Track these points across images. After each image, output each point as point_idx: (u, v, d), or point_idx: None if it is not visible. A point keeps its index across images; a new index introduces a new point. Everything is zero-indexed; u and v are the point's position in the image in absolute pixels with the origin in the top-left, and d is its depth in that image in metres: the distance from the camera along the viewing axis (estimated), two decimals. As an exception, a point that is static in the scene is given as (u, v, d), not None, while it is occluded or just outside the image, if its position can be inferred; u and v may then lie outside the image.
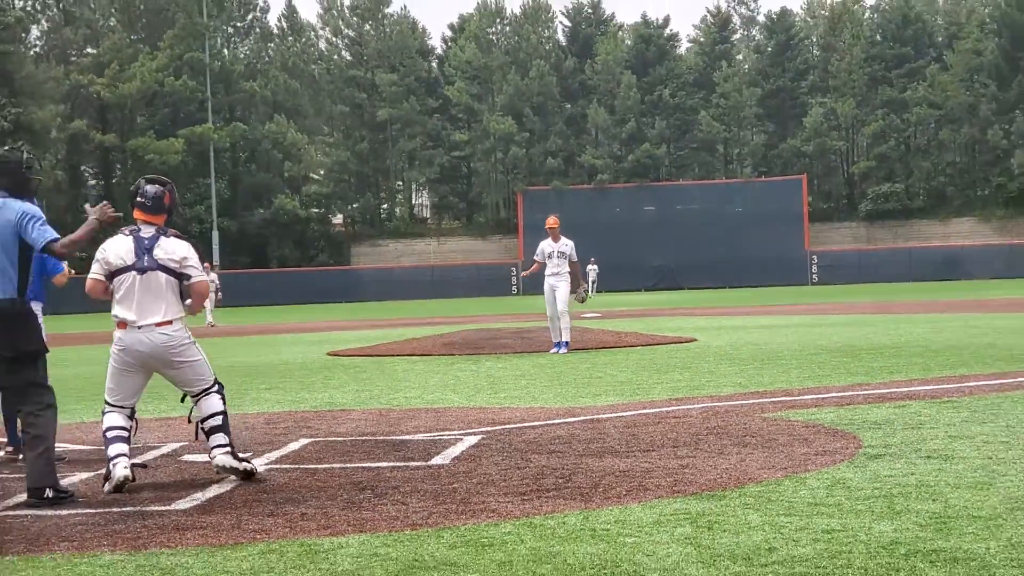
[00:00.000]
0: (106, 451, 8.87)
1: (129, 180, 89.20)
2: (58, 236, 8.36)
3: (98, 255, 9.11)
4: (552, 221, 22.45)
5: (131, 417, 9.10)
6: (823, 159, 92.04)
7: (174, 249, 9.06)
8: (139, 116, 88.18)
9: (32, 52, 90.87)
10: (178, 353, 8.99)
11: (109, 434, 8.90)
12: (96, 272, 9.07)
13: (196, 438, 9.40)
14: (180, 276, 9.04)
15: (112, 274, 9.02)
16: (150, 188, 9.25)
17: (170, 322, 8.95)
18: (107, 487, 8.63)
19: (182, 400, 9.42)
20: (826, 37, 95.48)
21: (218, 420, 9.07)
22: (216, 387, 9.19)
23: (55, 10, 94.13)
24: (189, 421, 9.35)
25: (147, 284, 8.94)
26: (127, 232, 9.14)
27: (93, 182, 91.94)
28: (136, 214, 9.21)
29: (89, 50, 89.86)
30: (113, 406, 9.04)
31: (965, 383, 14.04)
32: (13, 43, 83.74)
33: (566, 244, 21.98)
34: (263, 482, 8.82)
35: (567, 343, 21.66)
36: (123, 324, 8.95)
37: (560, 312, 21.63)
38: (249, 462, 9.04)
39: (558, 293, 21.56)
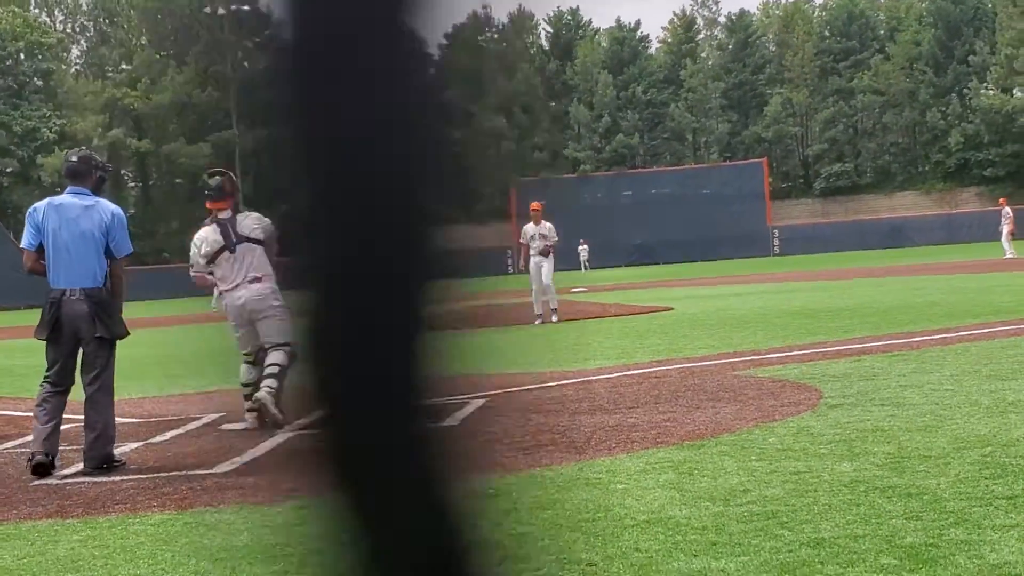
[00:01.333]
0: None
1: (164, 182, 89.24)
2: (132, 251, 8.52)
3: (193, 250, 9.89)
4: (535, 205, 22.63)
5: (255, 363, 9.79)
6: (781, 143, 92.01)
7: (252, 223, 9.75)
8: (170, 124, 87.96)
9: (73, 69, 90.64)
10: (264, 306, 9.60)
11: (243, 390, 9.87)
12: (198, 267, 9.89)
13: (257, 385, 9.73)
14: (261, 242, 9.70)
15: (211, 259, 9.75)
16: (212, 181, 10.04)
17: (259, 279, 9.62)
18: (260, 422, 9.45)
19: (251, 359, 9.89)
20: (780, 34, 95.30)
21: (275, 369, 9.43)
22: (288, 347, 9.50)
23: (92, 31, 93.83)
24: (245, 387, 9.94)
25: (239, 256, 9.67)
26: (208, 221, 9.87)
27: (132, 184, 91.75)
28: (208, 205, 9.94)
29: (124, 66, 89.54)
30: (243, 355, 9.93)
31: (912, 338, 14.06)
32: (56, 61, 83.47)
33: (546, 227, 22.01)
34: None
35: (555, 310, 21.70)
36: (225, 290, 9.76)
37: (546, 286, 21.62)
38: (281, 414, 9.26)
39: (543, 269, 21.54)
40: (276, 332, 9.61)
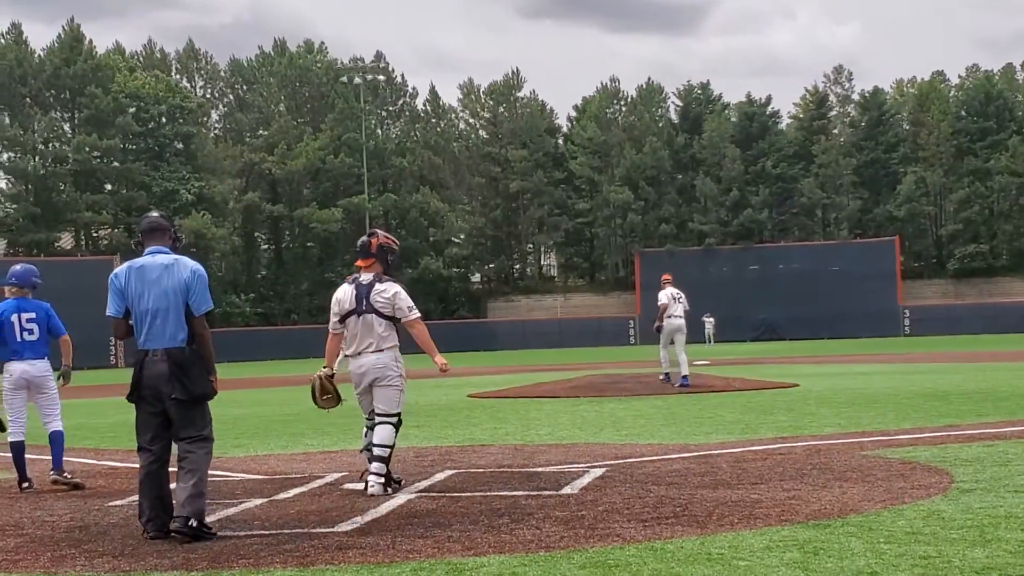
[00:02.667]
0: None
1: (296, 245, 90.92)
2: (212, 307, 8.36)
3: (333, 303, 10.05)
4: (666, 276, 24.72)
5: (372, 428, 9.97)
6: (914, 222, 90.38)
7: (384, 295, 9.88)
8: (304, 189, 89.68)
9: (212, 133, 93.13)
10: (382, 375, 9.84)
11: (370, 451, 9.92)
12: (333, 326, 10.06)
13: (361, 451, 10.18)
14: (391, 318, 9.90)
15: (343, 318, 9.94)
16: (361, 239, 10.31)
17: (380, 350, 9.82)
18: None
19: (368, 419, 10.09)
20: (915, 113, 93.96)
21: (386, 452, 9.73)
22: (396, 420, 9.89)
23: (230, 97, 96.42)
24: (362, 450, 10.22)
25: (363, 324, 9.87)
26: (350, 280, 10.09)
27: (265, 247, 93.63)
28: (357, 262, 10.16)
29: (261, 131, 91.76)
30: (366, 420, 10.12)
31: (1049, 424, 13.65)
32: (195, 125, 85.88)
33: (676, 293, 23.87)
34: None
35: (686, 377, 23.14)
36: (350, 355, 9.97)
37: (679, 349, 23.45)
38: (395, 491, 9.71)
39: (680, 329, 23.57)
40: (388, 401, 9.87)
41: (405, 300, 9.95)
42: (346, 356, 9.99)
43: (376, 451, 9.73)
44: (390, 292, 9.91)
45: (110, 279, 8.35)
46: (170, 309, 8.11)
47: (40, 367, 11.24)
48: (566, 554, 6.80)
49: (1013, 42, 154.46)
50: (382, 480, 9.64)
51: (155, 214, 8.68)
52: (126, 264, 8.35)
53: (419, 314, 10.07)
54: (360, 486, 9.86)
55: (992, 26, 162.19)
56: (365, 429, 10.15)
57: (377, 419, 9.88)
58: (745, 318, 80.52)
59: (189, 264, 8.28)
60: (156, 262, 8.23)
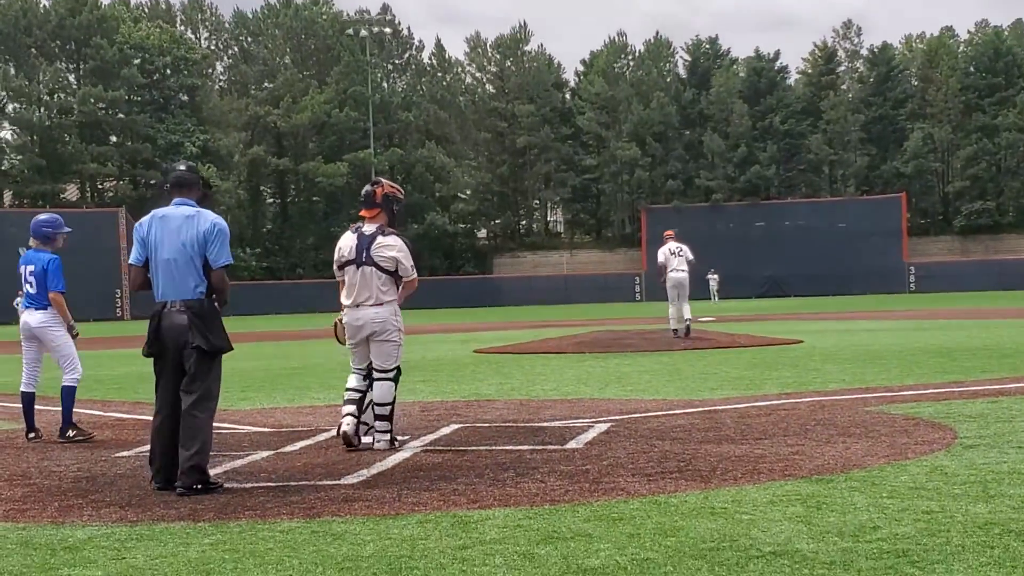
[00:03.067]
0: (342, 408, 9.84)
1: (301, 199, 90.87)
2: (231, 262, 8.30)
3: (335, 250, 9.94)
4: (668, 231, 25.45)
5: (366, 378, 9.83)
6: (921, 179, 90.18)
7: (387, 251, 9.69)
8: (310, 143, 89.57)
9: (217, 86, 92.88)
10: (381, 329, 9.69)
11: (345, 395, 9.85)
12: (334, 268, 9.95)
13: (363, 410, 9.85)
14: (392, 273, 9.73)
15: (341, 266, 9.82)
16: (366, 188, 10.06)
17: (380, 304, 9.67)
18: (338, 435, 9.68)
19: (365, 378, 9.90)
20: (923, 69, 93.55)
21: (386, 410, 9.63)
22: (395, 374, 9.76)
23: (235, 49, 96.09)
24: (337, 433, 9.90)
25: (363, 276, 9.70)
26: (353, 229, 9.90)
27: (271, 200, 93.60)
28: (361, 212, 9.96)
29: (266, 84, 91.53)
30: (354, 368, 9.94)
31: (1053, 382, 13.67)
32: (200, 77, 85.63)
33: (677, 245, 24.48)
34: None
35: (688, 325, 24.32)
36: (346, 306, 9.81)
37: (684, 301, 24.17)
38: (400, 446, 9.62)
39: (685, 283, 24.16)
40: (386, 356, 9.72)
41: (408, 259, 9.77)
42: (344, 306, 9.86)
43: (377, 410, 9.65)
44: (393, 250, 9.69)
45: (135, 227, 8.40)
46: (188, 260, 8.07)
47: (38, 318, 11.22)
48: (570, 508, 6.84)
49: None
50: (388, 436, 9.60)
51: (182, 167, 8.54)
52: (152, 213, 8.33)
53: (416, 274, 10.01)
54: (368, 439, 9.87)
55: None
56: (353, 375, 9.94)
57: (376, 375, 9.76)
58: (751, 275, 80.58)
59: (210, 217, 8.21)
60: (178, 213, 8.20)
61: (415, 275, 9.90)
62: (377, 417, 9.65)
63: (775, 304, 62.49)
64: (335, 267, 9.91)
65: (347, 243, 9.81)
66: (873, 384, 14.14)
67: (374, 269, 9.66)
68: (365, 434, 9.83)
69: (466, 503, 7.09)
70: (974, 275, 78.03)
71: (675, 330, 24.01)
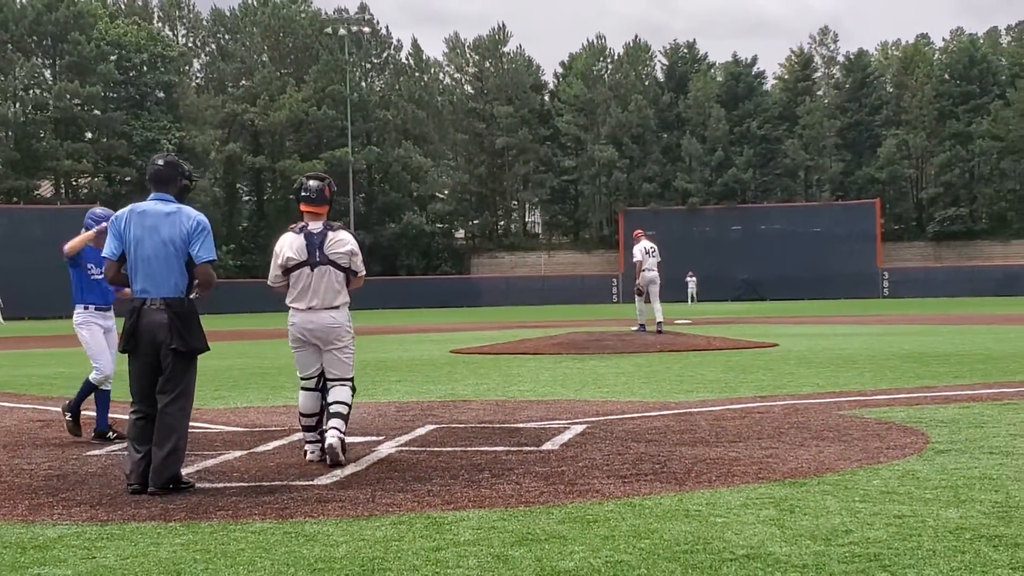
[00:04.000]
0: (303, 435, 9.29)
1: (278, 197, 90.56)
2: (215, 258, 8.18)
3: (274, 260, 9.10)
4: (638, 231, 26.74)
5: (317, 389, 9.14)
6: (895, 185, 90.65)
7: (342, 247, 9.05)
8: (287, 141, 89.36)
9: (194, 83, 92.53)
10: (337, 336, 9.01)
11: (301, 421, 9.18)
12: (276, 280, 9.14)
13: (319, 422, 9.18)
14: (347, 270, 9.08)
15: (288, 270, 9.03)
16: (313, 183, 9.28)
17: (336, 308, 9.01)
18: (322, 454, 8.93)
19: (319, 385, 9.19)
20: (899, 76, 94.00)
21: (343, 409, 8.91)
22: (351, 382, 9.12)
23: (212, 46, 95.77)
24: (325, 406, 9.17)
25: (317, 278, 8.97)
26: (297, 230, 9.12)
27: (247, 198, 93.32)
28: (302, 207, 9.19)
29: (243, 82, 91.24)
30: (301, 380, 9.18)
31: (1025, 388, 13.75)
32: (177, 75, 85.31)
33: (649, 246, 25.46)
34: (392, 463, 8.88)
35: (659, 323, 25.42)
36: (297, 309, 9.04)
37: (654, 298, 25.37)
38: (345, 460, 8.81)
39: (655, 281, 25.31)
40: (342, 365, 9.06)
41: (360, 255, 9.22)
42: (292, 308, 9.09)
43: (335, 407, 8.91)
44: (347, 245, 9.06)
45: (111, 220, 8.26)
46: (168, 258, 7.97)
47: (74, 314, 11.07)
48: (545, 509, 6.83)
49: (997, 5, 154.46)
50: (340, 435, 8.81)
51: (161, 161, 8.37)
52: (129, 207, 8.22)
53: None
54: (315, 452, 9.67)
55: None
56: (304, 394, 9.20)
57: (331, 383, 9.06)
58: (727, 278, 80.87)
59: (193, 214, 8.09)
60: (157, 208, 8.07)
61: (363, 271, 9.28)
62: (333, 416, 8.86)
63: (750, 307, 62.66)
64: (278, 272, 9.08)
65: (293, 244, 9.03)
66: (846, 388, 14.18)
67: (330, 268, 8.99)
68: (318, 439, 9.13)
69: (440, 504, 7.06)
70: (947, 281, 78.49)
71: (641, 325, 24.96)
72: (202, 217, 8.18)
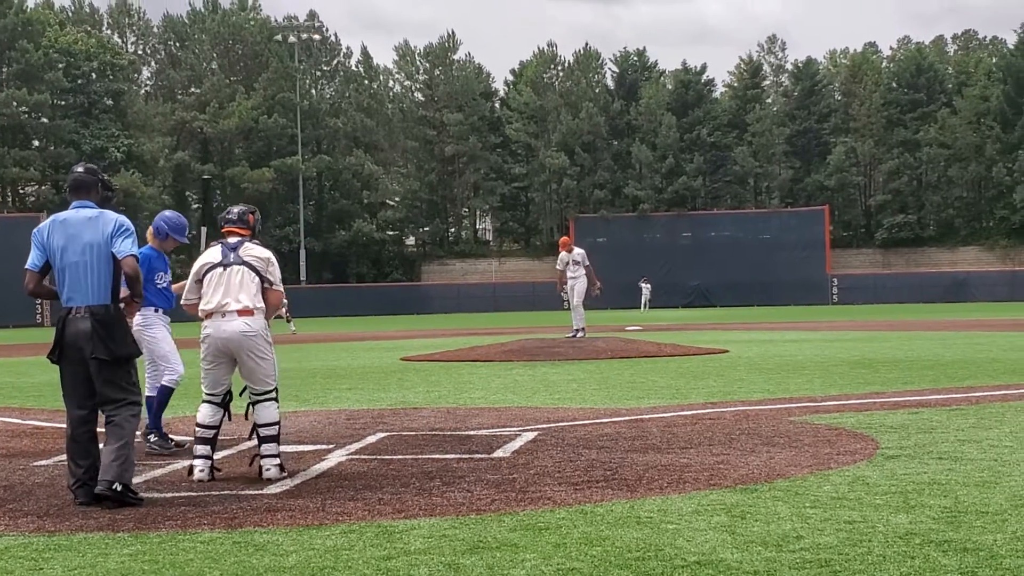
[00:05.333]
0: (193, 447, 8.81)
1: (226, 205, 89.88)
2: (137, 253, 7.97)
3: (193, 269, 8.92)
4: (563, 240, 26.58)
5: (221, 405, 8.81)
6: (843, 192, 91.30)
7: (258, 252, 8.86)
8: (236, 148, 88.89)
9: (143, 91, 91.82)
10: (254, 345, 8.65)
11: (198, 431, 8.77)
12: (189, 289, 8.95)
13: (250, 437, 9.10)
14: (262, 277, 8.77)
15: (200, 278, 8.82)
16: (235, 208, 9.19)
17: (251, 312, 8.66)
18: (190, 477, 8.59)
19: (240, 393, 8.96)
20: (847, 84, 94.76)
21: (273, 431, 8.68)
22: (275, 394, 8.82)
23: (163, 54, 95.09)
24: (247, 417, 9.01)
25: (230, 277, 8.70)
26: (215, 243, 9.00)
27: (196, 206, 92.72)
28: (224, 228, 9.05)
29: (193, 90, 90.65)
30: (207, 395, 8.82)
31: (972, 393, 13.89)
32: (126, 82, 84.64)
33: (578, 253, 25.20)
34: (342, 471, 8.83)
35: (582, 330, 25.27)
36: (208, 314, 8.69)
37: (574, 305, 25.33)
38: (286, 476, 8.59)
39: (576, 289, 25.01)
40: (264, 377, 8.73)
41: (277, 268, 8.89)
42: (204, 317, 8.70)
43: (264, 431, 8.63)
44: (264, 253, 8.83)
45: (33, 233, 8.12)
46: (92, 264, 7.85)
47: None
48: (496, 517, 6.81)
49: (940, 14, 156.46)
50: (278, 461, 8.61)
51: (80, 169, 8.30)
52: (51, 218, 8.11)
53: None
54: (290, 448, 9.76)
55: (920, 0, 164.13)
56: (205, 406, 8.80)
57: (254, 398, 8.80)
58: (678, 284, 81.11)
59: (113, 216, 7.98)
60: (79, 216, 7.98)
61: (282, 287, 8.97)
62: (264, 440, 8.64)
63: (701, 314, 62.94)
64: (192, 281, 8.88)
65: (207, 253, 8.89)
66: (797, 394, 14.26)
67: (244, 268, 8.68)
68: (250, 463, 8.91)
69: (391, 513, 7.03)
70: (895, 288, 79.16)
71: (579, 330, 25.32)
72: (124, 219, 8.06)
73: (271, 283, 8.81)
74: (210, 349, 8.70)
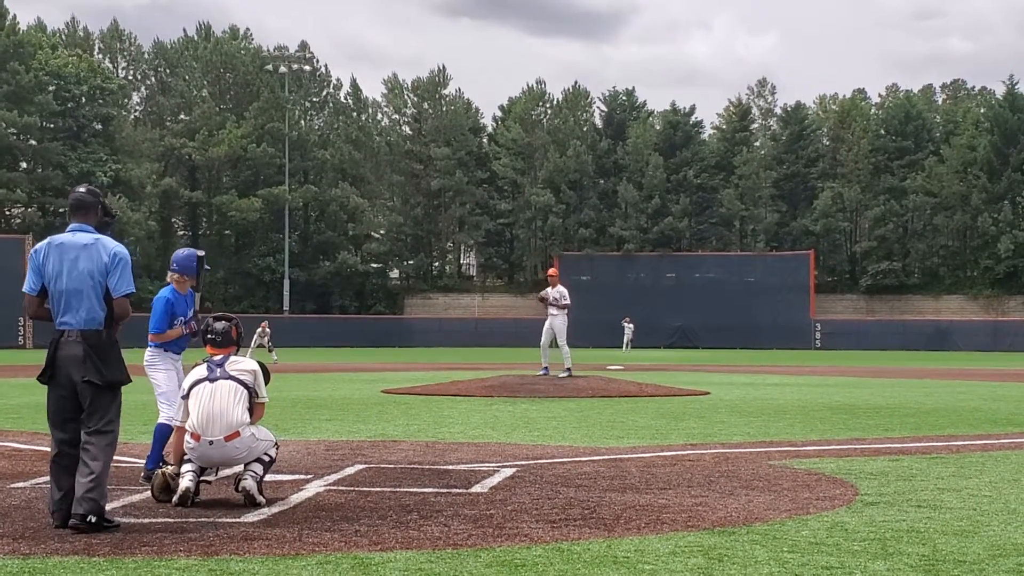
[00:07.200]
0: (182, 462, 8.89)
1: (212, 233, 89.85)
2: (134, 291, 7.99)
3: (183, 387, 9.10)
4: (552, 272, 26.56)
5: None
6: (829, 237, 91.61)
7: (245, 365, 9.04)
8: (224, 176, 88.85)
9: (132, 116, 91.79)
10: (245, 456, 8.84)
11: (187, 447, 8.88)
12: (182, 409, 9.05)
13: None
14: (250, 390, 8.95)
15: (187, 394, 8.96)
16: (218, 325, 9.31)
17: (237, 435, 8.78)
18: (174, 499, 8.62)
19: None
20: (835, 129, 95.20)
21: (265, 458, 8.94)
22: (274, 451, 9.06)
23: (153, 80, 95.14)
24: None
25: (216, 392, 8.84)
26: (201, 361, 9.15)
27: (182, 233, 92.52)
28: (208, 349, 9.21)
29: (182, 116, 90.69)
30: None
31: (953, 441, 13.91)
32: (116, 107, 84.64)
33: (558, 291, 25.32)
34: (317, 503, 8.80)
35: (569, 370, 25.04)
36: (196, 436, 8.77)
37: (560, 344, 25.18)
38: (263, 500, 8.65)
39: (556, 328, 25.16)
40: (261, 455, 8.92)
41: (263, 380, 9.08)
42: (189, 430, 8.81)
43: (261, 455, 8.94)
44: (251, 366, 9.06)
45: (30, 255, 8.09)
46: (86, 291, 7.81)
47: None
48: (473, 552, 6.80)
49: (928, 64, 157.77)
50: (259, 478, 8.75)
51: (83, 189, 8.24)
52: (47, 240, 8.06)
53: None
54: (270, 477, 9.71)
55: (908, 48, 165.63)
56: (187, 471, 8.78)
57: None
58: (660, 325, 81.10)
59: (110, 246, 7.93)
60: (76, 241, 7.91)
61: (267, 399, 9.16)
62: (257, 459, 8.88)
63: (683, 355, 62.95)
64: (180, 397, 9.13)
65: (196, 372, 9.06)
66: (777, 438, 14.27)
67: (232, 383, 8.87)
68: (235, 487, 8.90)
69: (368, 545, 7.01)
70: (878, 334, 79.35)
71: (545, 368, 25.55)
72: (120, 248, 8.03)
73: (259, 395, 9.00)
74: (193, 456, 8.80)
